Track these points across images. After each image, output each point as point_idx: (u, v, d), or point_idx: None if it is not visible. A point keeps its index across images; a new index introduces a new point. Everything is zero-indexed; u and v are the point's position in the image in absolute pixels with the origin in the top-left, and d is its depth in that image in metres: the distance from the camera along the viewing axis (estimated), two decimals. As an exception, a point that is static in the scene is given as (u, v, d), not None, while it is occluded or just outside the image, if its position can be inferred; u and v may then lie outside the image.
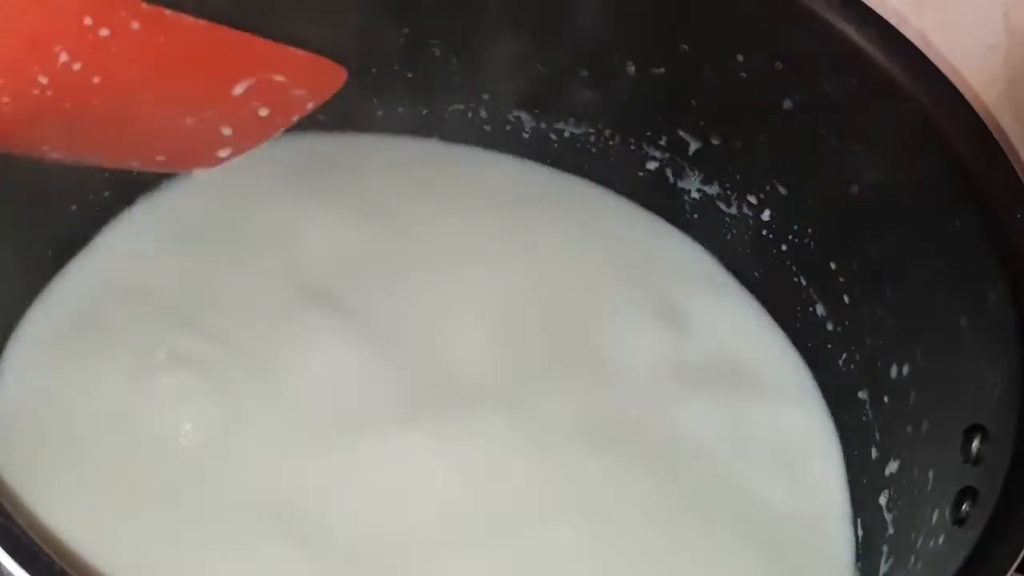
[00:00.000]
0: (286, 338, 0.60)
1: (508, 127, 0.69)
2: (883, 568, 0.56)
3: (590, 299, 0.65)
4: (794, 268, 0.64)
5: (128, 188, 0.64)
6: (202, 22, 0.55)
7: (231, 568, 0.54)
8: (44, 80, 0.51)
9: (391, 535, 0.55)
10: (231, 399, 0.58)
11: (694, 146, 0.65)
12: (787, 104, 0.60)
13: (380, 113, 0.69)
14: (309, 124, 0.66)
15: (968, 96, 0.55)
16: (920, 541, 0.52)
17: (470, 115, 0.69)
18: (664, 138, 0.66)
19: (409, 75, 0.67)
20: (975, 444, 0.50)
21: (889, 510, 0.57)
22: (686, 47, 0.61)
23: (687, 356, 0.64)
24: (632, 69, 0.64)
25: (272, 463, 0.57)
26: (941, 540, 0.50)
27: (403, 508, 0.56)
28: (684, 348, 0.64)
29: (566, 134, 0.69)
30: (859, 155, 0.58)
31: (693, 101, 0.64)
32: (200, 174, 0.65)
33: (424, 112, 0.69)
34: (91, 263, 0.62)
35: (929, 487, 0.54)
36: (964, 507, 0.49)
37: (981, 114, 0.54)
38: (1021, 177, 0.53)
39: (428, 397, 0.59)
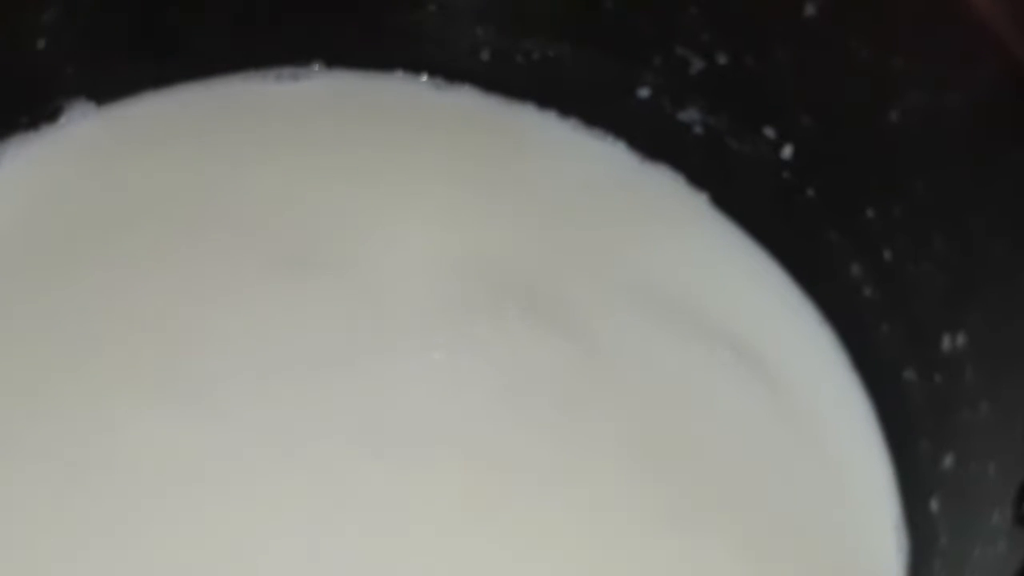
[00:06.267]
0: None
1: (464, 48, 0.66)
2: (935, 582, 0.55)
3: (581, 268, 0.62)
4: (823, 219, 0.61)
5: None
6: None
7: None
8: None
9: None
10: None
11: (696, 66, 0.62)
12: (810, 9, 0.56)
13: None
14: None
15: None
16: (977, 550, 0.49)
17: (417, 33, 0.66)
18: (658, 57, 0.62)
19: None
20: (1043, 424, 0.47)
21: (942, 514, 0.54)
22: (683, -62, 0.61)
23: (697, 333, 0.61)
24: (617, -32, 0.61)
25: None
26: (1001, 545, 0.47)
27: None
28: (693, 326, 0.61)
29: (534, 55, 0.65)
30: (900, 72, 0.54)
31: (693, 8, 0.60)
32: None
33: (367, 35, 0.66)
34: None
35: (989, 482, 0.50)
36: (1029, 503, 0.47)
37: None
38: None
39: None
